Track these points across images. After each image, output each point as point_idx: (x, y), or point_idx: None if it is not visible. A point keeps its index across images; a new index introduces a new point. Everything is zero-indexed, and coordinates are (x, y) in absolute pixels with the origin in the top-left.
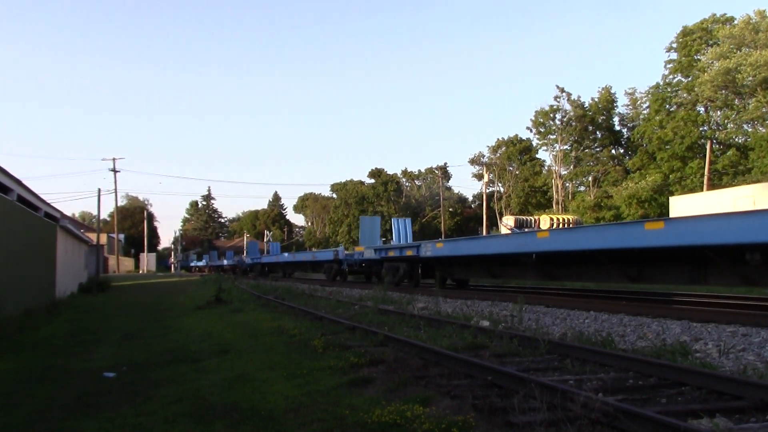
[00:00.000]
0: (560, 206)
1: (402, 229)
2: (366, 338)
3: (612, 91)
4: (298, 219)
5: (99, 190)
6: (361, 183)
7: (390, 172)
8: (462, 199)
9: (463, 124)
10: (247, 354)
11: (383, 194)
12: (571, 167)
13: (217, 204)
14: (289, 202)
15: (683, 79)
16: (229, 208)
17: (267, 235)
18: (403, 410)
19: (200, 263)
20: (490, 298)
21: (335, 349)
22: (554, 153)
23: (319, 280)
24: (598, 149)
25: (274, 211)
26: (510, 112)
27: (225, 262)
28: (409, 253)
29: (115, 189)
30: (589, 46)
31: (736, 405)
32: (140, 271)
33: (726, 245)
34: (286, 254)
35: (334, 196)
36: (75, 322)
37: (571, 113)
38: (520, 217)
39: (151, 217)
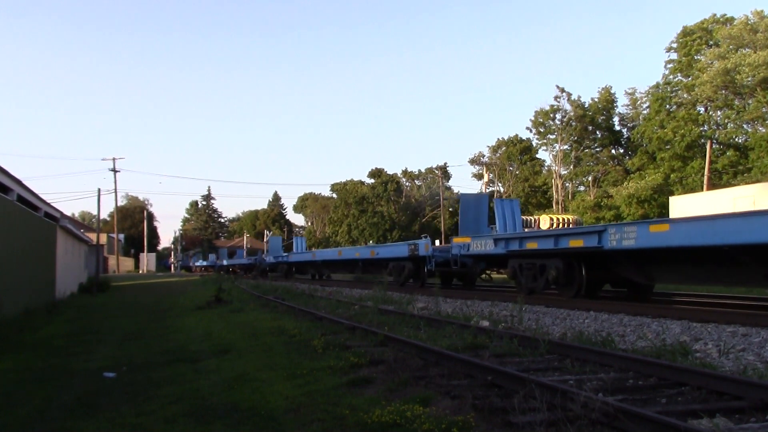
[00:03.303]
0: (560, 206)
1: (509, 214)
2: (366, 338)
3: (612, 91)
4: (298, 219)
5: (99, 190)
6: (361, 183)
7: (390, 172)
8: None
9: (463, 124)
10: (247, 354)
11: (383, 194)
12: (571, 167)
13: (217, 204)
14: (289, 202)
15: (683, 79)
16: (229, 208)
17: (267, 235)
18: (403, 410)
19: (205, 263)
20: (490, 298)
21: (335, 349)
22: (554, 153)
23: (347, 283)
24: (598, 149)
25: (274, 211)
26: (510, 112)
27: (234, 261)
28: (574, 243)
29: (115, 189)
30: (589, 46)
31: (736, 405)
32: (140, 271)
33: None
34: (327, 251)
35: (334, 196)
36: (75, 322)
37: (571, 113)
38: (521, 217)
39: (151, 217)
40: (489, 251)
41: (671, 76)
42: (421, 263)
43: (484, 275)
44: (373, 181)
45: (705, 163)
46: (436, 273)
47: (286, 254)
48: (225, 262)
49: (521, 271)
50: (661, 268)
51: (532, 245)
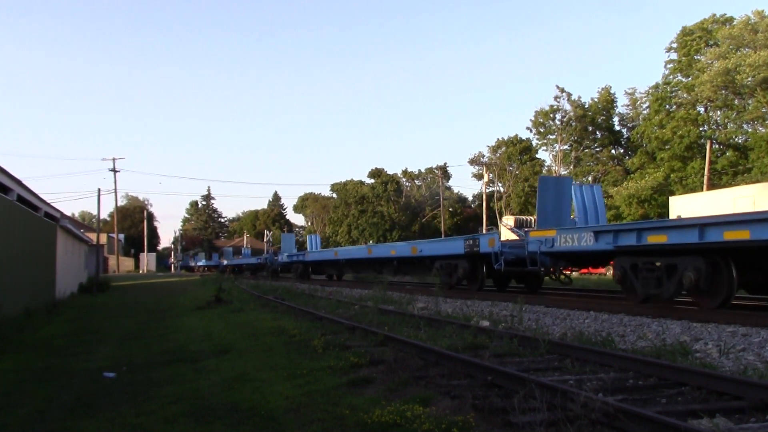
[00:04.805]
0: None
1: (590, 202)
2: (366, 338)
3: (612, 91)
4: (298, 219)
5: (99, 190)
6: (361, 183)
7: (390, 172)
8: (462, 199)
9: (463, 124)
10: (247, 354)
11: (383, 194)
12: (571, 167)
13: (217, 204)
14: (289, 202)
15: (683, 79)
16: (229, 208)
17: (267, 235)
18: (403, 410)
19: (208, 263)
20: (490, 298)
21: (335, 349)
22: (554, 153)
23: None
24: (598, 149)
25: (274, 211)
26: (510, 112)
27: (241, 261)
28: (733, 235)
29: (115, 189)
30: (589, 46)
31: (736, 405)
32: (140, 271)
33: None
34: (352, 248)
35: (334, 196)
36: (75, 322)
37: (571, 113)
38: (520, 217)
39: (151, 217)
40: (586, 247)
41: (671, 76)
42: (479, 262)
43: (563, 276)
44: (373, 181)
45: (705, 163)
46: (495, 274)
47: (302, 253)
48: (226, 262)
49: (636, 274)
50: None
51: (657, 239)
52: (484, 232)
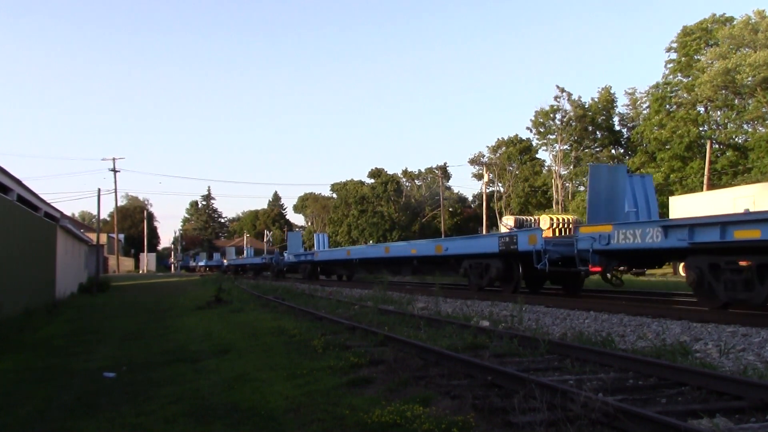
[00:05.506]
0: (560, 206)
1: (640, 194)
2: (366, 338)
3: (612, 91)
4: (298, 219)
5: (99, 190)
6: (361, 183)
7: (390, 172)
8: (462, 199)
9: (463, 124)
10: (247, 354)
11: (383, 194)
12: (571, 167)
13: (217, 204)
14: (289, 202)
15: (683, 79)
16: (229, 208)
17: (267, 235)
18: (403, 410)
19: (211, 263)
20: (490, 298)
21: (335, 349)
22: (554, 153)
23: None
24: (598, 149)
25: (274, 211)
26: (510, 112)
27: (244, 260)
28: None
29: (115, 189)
30: (589, 46)
31: (736, 405)
32: (140, 271)
33: None
34: (367, 247)
35: (334, 196)
36: (75, 322)
37: (571, 113)
38: (520, 217)
39: (151, 217)
40: (652, 245)
41: (671, 76)
42: (515, 261)
43: (614, 278)
44: (373, 181)
45: (705, 163)
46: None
47: (310, 252)
48: (228, 262)
49: (716, 275)
50: None
51: (747, 234)
52: (484, 232)
